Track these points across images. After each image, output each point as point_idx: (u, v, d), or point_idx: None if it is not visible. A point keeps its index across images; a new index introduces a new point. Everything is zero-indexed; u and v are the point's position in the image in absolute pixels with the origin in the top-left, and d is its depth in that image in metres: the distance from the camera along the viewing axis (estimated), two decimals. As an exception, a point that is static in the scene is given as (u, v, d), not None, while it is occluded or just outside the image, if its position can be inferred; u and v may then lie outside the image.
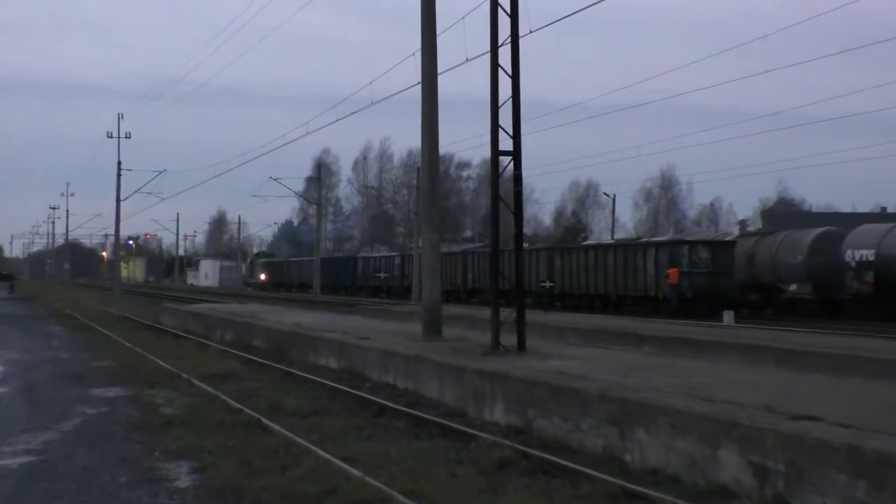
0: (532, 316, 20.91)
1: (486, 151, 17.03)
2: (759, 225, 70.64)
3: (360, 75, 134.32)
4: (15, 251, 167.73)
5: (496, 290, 16.31)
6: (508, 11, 15.92)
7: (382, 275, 66.01)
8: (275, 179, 64.76)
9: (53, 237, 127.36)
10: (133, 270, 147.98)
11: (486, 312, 18.10)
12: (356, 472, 9.08)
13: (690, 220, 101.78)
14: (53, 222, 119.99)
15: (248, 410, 12.98)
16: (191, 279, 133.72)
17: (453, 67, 20.56)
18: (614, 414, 10.13)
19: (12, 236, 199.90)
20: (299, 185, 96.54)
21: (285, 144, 60.46)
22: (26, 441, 11.30)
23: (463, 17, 19.36)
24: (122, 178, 62.58)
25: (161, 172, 61.99)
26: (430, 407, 13.67)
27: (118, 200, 63.05)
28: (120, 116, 63.21)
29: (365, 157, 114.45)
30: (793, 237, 39.36)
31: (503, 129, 16.02)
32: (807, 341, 19.61)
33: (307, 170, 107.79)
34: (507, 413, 12.18)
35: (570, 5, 17.73)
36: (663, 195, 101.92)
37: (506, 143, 16.05)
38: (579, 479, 9.00)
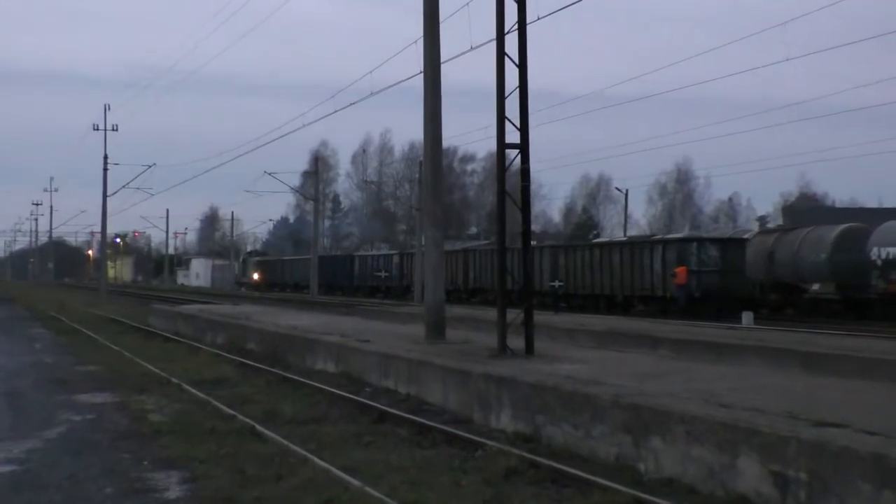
0: (540, 317, 20.91)
1: (492, 144, 17.07)
2: (780, 221, 70.50)
3: (359, 64, 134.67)
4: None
5: (503, 290, 16.30)
6: (515, -4, 15.92)
7: (383, 274, 66.09)
8: (270, 174, 64.85)
9: (36, 235, 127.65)
10: (120, 270, 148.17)
11: (491, 313, 18.09)
12: (355, 482, 9.07)
13: (707, 216, 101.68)
14: (36, 219, 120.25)
15: (241, 417, 12.97)
16: (181, 279, 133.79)
17: (457, 56, 20.59)
18: (628, 421, 10.11)
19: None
20: (295, 180, 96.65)
21: (281, 137, 60.42)
22: (8, 450, 11.30)
23: (468, 3, 19.38)
24: (108, 172, 62.54)
25: (150, 166, 62.08)
26: (433, 413, 13.67)
27: (105, 196, 63.04)
28: (106, 107, 63.16)
29: (364, 151, 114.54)
30: (815, 234, 39.29)
31: (510, 121, 16.00)
32: (831, 343, 19.58)
33: (304, 164, 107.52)
34: (515, 420, 12.17)
35: (581, -10, 17.68)
36: (679, 190, 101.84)
37: (513, 136, 16.06)
38: (591, 489, 8.99)
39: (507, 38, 15.94)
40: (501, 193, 16.33)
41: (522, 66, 15.91)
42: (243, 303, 51.12)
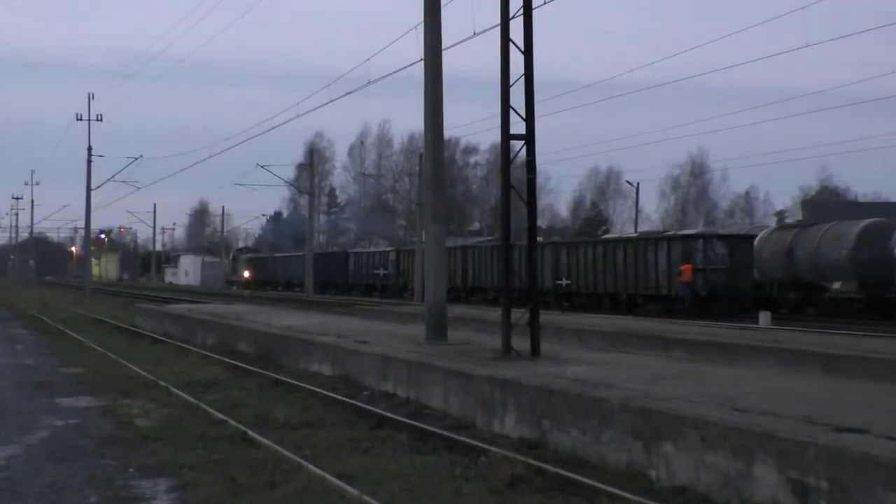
0: (546, 317, 20.92)
1: (496, 135, 17.04)
2: (799, 216, 70.53)
3: (356, 51, 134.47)
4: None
5: (507, 288, 16.31)
6: (521, -21, 15.91)
7: (381, 272, 66.18)
8: (262, 167, 64.85)
9: (17, 231, 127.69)
10: (105, 267, 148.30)
11: (494, 313, 18.10)
12: (352, 491, 9.09)
13: (723, 210, 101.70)
14: (17, 214, 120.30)
15: (232, 422, 12.99)
16: (169, 277, 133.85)
17: (460, 42, 20.57)
18: (638, 426, 10.13)
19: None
20: (290, 173, 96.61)
21: (274, 128, 59.84)
22: (-13, 456, 11.32)
23: (471, -14, 19.34)
24: (92, 164, 62.65)
25: (136, 159, 62.01)
26: (434, 418, 13.69)
27: (88, 190, 63.13)
28: (90, 97, 63.19)
29: (362, 142, 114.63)
30: (836, 230, 39.27)
31: (515, 111, 16.00)
32: (852, 345, 19.58)
33: (298, 156, 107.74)
34: (520, 424, 12.18)
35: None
36: (693, 183, 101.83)
37: (518, 126, 16.04)
38: (599, 497, 9.01)
39: (511, 23, 15.93)
40: (506, 187, 16.33)
41: (528, 53, 15.90)
42: (235, 302, 51.19)
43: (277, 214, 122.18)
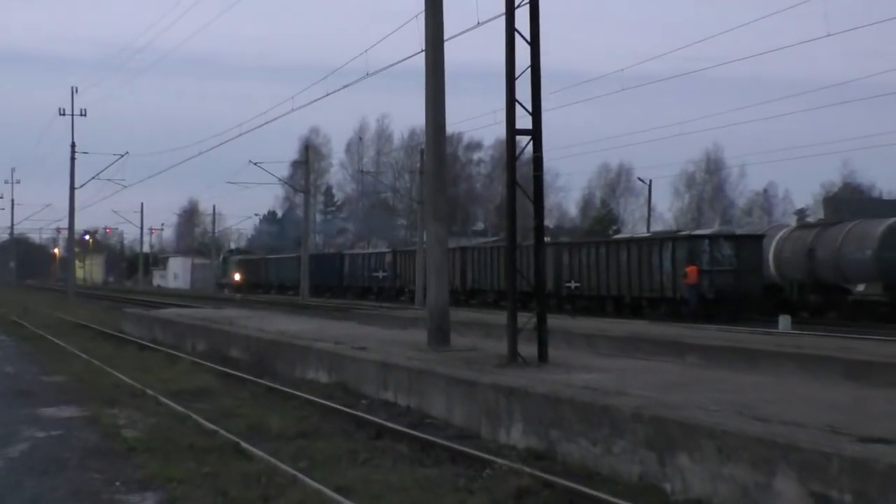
0: (555, 322, 20.91)
1: (501, 130, 17.04)
2: (821, 215, 70.47)
3: (354, 42, 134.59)
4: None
5: (513, 291, 16.30)
6: (527, -35, 15.91)
7: (381, 274, 66.25)
8: (255, 164, 64.92)
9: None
10: (90, 270, 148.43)
11: (499, 317, 18.07)
12: (350, 505, 9.07)
13: (740, 209, 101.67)
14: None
15: (223, 433, 12.99)
16: (158, 280, 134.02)
17: (463, 32, 20.55)
18: (652, 436, 10.12)
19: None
20: (284, 171, 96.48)
21: (267, 123, 60.26)
22: (-34, 469, 11.32)
23: (473, -27, 19.34)
24: (76, 162, 62.73)
25: (122, 155, 62.11)
26: (436, 428, 13.69)
27: (72, 188, 63.20)
28: (74, 90, 63.39)
29: (360, 138, 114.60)
30: (860, 229, 39.22)
31: (520, 105, 15.99)
32: (877, 350, 19.57)
33: (293, 152, 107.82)
34: (527, 435, 12.18)
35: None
36: (708, 181, 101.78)
37: (524, 121, 16.05)
38: (611, 512, 8.99)
39: (517, 11, 15.93)
40: (511, 185, 16.32)
41: (534, 44, 15.89)
42: (226, 306, 51.22)
43: (271, 214, 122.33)
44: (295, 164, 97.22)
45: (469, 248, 56.20)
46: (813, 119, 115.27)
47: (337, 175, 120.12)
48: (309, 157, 77.26)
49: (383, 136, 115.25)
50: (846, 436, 8.80)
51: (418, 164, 58.16)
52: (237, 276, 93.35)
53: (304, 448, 12.12)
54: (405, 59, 22.76)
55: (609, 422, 10.77)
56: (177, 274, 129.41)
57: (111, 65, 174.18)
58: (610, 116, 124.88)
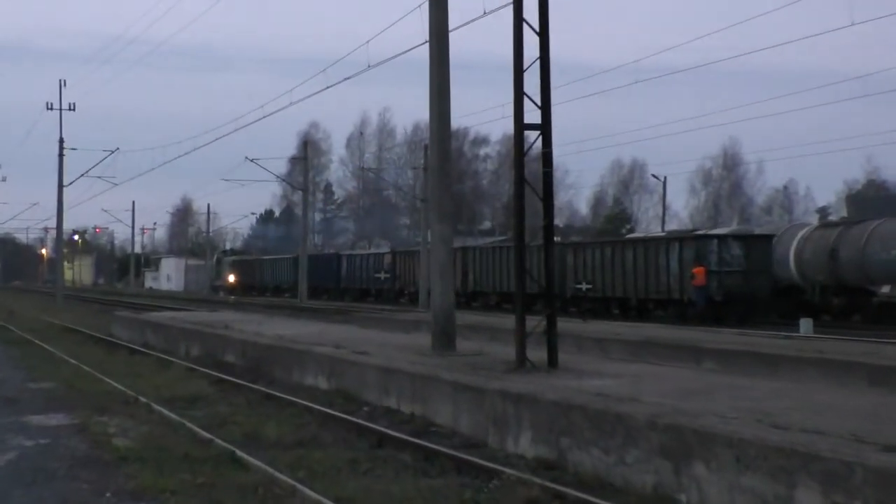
0: (564, 325, 20.91)
1: (508, 125, 17.03)
2: (844, 213, 70.48)
3: (354, 33, 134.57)
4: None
5: (521, 294, 16.29)
6: (535, -48, 15.91)
7: (382, 275, 66.31)
8: (251, 160, 64.91)
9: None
10: (79, 271, 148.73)
11: (504, 320, 18.06)
12: (351, 517, 9.07)
13: (759, 207, 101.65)
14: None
15: (219, 441, 13.00)
16: (150, 282, 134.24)
17: (469, 22, 20.55)
18: (667, 444, 10.11)
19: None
20: (281, 167, 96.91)
21: (264, 117, 60.04)
22: (-51, 479, 11.33)
23: (480, -40, 19.35)
24: (65, 158, 62.84)
25: (113, 152, 62.26)
26: (441, 436, 13.69)
27: (60, 186, 63.28)
28: (62, 83, 63.44)
29: (361, 133, 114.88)
30: (885, 228, 39.15)
31: (529, 98, 15.99)
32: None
33: (291, 148, 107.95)
34: (536, 443, 12.18)
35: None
36: (726, 177, 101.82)
37: (532, 115, 16.03)
38: (624, 524, 8.99)
39: (525, 1, 15.92)
40: (519, 182, 16.32)
41: (543, 34, 15.89)
42: (221, 309, 51.25)
43: (268, 213, 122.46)
44: (293, 161, 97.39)
45: (470, 249, 56.22)
46: (835, 112, 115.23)
47: (337, 172, 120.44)
48: (308, 153, 77.34)
49: (385, 130, 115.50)
50: (870, 444, 8.79)
51: (422, 161, 58.17)
52: (231, 278, 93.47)
53: (303, 457, 12.13)
54: (409, 51, 22.80)
55: (622, 430, 10.77)
56: (170, 275, 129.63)
57: (101, 57, 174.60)
58: (623, 110, 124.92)
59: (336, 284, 72.87)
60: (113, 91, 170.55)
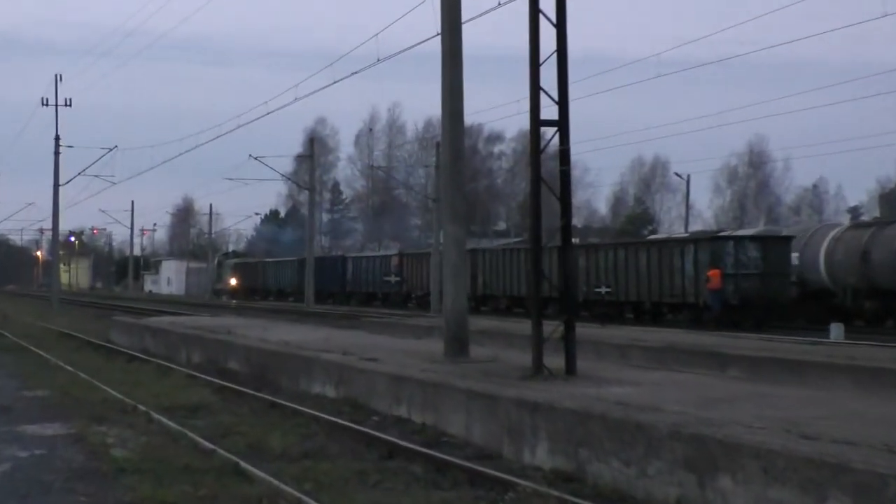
0: (582, 330, 20.88)
1: (524, 121, 17.03)
2: (876, 213, 70.30)
3: (363, 25, 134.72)
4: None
5: (537, 298, 16.29)
6: (552, -60, 15.90)
7: (393, 278, 66.37)
8: (256, 158, 65.06)
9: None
10: (76, 274, 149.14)
11: (519, 325, 18.05)
12: (360, 531, 9.08)
13: (787, 206, 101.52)
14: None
15: (221, 452, 13.01)
16: (149, 285, 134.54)
17: (482, 14, 20.60)
18: (690, 455, 10.10)
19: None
20: (287, 166, 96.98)
21: (269, 113, 60.16)
22: (-59, 492, 11.37)
23: (494, -51, 19.37)
24: (61, 156, 63.02)
25: (111, 149, 62.43)
26: (454, 447, 13.68)
27: (56, 185, 63.46)
28: (58, 78, 63.54)
29: (370, 130, 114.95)
30: (920, 228, 39.08)
31: (545, 93, 15.98)
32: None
33: (297, 146, 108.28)
34: (553, 454, 12.17)
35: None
36: (752, 176, 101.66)
37: (549, 111, 16.03)
38: (646, 539, 8.98)
39: (542, -9, 15.92)
40: (536, 180, 16.31)
41: (561, 26, 15.88)
42: (224, 314, 51.34)
43: (273, 213, 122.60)
44: (299, 159, 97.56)
45: (480, 251, 56.29)
46: (867, 108, 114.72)
47: (345, 170, 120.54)
48: (314, 151, 77.43)
49: (395, 127, 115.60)
50: (905, 456, 8.77)
51: (434, 159, 58.21)
52: (233, 281, 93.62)
53: (309, 469, 12.13)
54: (419, 44, 22.84)
55: (644, 440, 10.76)
56: (170, 279, 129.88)
57: (98, 50, 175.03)
58: (644, 105, 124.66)
59: (341, 288, 72.95)
60: (111, 86, 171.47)
